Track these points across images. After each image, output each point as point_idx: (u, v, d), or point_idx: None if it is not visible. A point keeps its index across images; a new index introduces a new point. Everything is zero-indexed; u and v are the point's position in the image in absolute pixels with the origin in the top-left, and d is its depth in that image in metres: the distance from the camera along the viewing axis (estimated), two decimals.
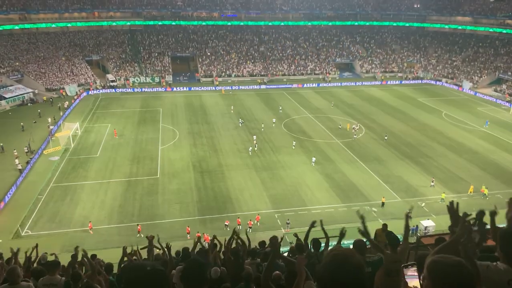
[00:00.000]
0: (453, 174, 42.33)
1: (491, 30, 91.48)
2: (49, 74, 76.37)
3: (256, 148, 47.81)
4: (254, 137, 50.54)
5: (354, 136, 52.05)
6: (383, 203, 35.24)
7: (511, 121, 60.77)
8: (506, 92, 74.40)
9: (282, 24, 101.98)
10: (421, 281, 2.34)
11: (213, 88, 79.69)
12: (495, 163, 45.24)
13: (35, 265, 12.73)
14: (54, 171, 41.84)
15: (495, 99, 72.43)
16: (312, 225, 8.71)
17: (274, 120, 58.07)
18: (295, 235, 10.95)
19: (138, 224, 31.58)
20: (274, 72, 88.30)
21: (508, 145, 50.63)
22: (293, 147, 48.16)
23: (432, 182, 39.56)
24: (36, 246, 14.01)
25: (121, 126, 55.71)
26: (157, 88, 78.00)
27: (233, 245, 11.11)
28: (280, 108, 64.47)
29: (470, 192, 37.78)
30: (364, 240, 7.11)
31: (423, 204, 35.90)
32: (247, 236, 12.83)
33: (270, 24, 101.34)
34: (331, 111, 64.73)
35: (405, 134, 54.09)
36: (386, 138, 51.57)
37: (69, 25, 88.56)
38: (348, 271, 2.15)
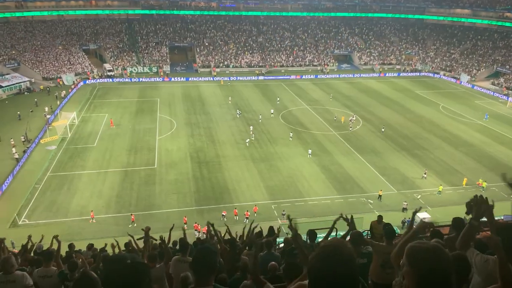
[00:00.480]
0: (449, 166, 42.57)
1: (490, 23, 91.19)
2: (46, 63, 75.79)
3: (253, 139, 47.87)
4: (251, 127, 50.59)
5: (350, 129, 52.09)
6: (380, 196, 35.36)
7: (508, 114, 60.98)
8: (504, 85, 74.49)
9: (281, 14, 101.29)
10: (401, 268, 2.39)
11: (211, 78, 79.39)
12: (491, 156, 45.49)
13: (31, 254, 12.80)
14: (51, 160, 41.79)
15: (493, 93, 72.51)
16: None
17: (272, 111, 58.01)
18: (289, 227, 11.00)
19: (131, 214, 31.67)
20: (272, 63, 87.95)
21: (504, 138, 50.87)
22: (290, 139, 48.23)
23: (424, 174, 39.79)
24: (30, 236, 14.04)
25: (119, 116, 55.54)
26: (155, 78, 77.62)
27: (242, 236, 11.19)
28: (278, 100, 64.36)
29: (463, 185, 37.97)
30: (361, 231, 7.19)
31: (419, 196, 36.14)
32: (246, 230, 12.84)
33: (268, 14, 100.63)
34: (328, 102, 64.69)
35: (402, 126, 54.22)
36: (383, 130, 51.69)
37: (65, 13, 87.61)
38: (337, 262, 2.15)
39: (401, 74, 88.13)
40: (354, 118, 55.86)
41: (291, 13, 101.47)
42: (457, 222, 6.36)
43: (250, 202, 34.26)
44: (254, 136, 48.64)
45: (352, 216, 7.58)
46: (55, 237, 10.84)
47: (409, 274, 2.30)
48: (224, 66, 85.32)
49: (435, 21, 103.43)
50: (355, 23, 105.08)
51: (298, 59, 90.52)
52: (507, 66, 79.92)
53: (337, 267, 2.15)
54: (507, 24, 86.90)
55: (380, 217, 13.60)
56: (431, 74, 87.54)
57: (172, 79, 77.61)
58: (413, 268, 2.28)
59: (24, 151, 42.31)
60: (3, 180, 36.28)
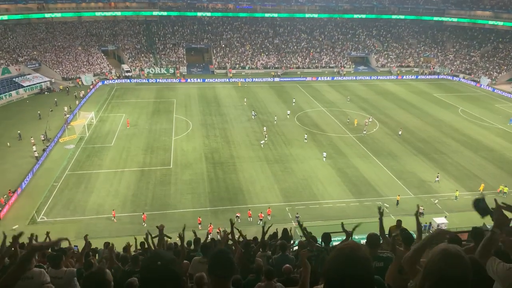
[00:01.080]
0: (468, 171, 41.71)
1: None
2: (66, 63, 77.34)
3: (266, 139, 47.88)
4: (265, 128, 50.63)
5: (364, 132, 51.44)
6: (398, 202, 34.67)
7: None
8: None
9: (298, 16, 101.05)
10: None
11: (227, 80, 79.71)
12: None
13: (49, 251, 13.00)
14: (70, 159, 42.56)
15: None
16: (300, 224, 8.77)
17: (288, 112, 58.01)
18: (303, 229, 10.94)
19: (143, 213, 31.98)
20: (288, 65, 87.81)
21: None
22: (305, 141, 48.02)
23: (437, 177, 39.09)
24: (47, 233, 14.29)
25: (136, 116, 56.25)
26: (171, 79, 78.40)
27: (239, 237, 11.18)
28: (293, 101, 64.19)
29: (480, 190, 36.99)
30: (378, 234, 7.06)
31: (436, 201, 35.50)
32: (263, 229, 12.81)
33: (285, 16, 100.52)
34: (345, 105, 64.19)
35: (420, 130, 53.40)
36: (400, 133, 50.98)
37: (85, 15, 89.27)
38: (353, 264, 2.17)
39: (419, 77, 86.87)
40: (371, 120, 55.34)
41: (308, 14, 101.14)
42: (476, 232, 6.15)
43: (264, 204, 34.21)
44: (267, 137, 48.71)
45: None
46: (85, 237, 11.28)
47: (427, 277, 2.26)
48: (240, 68, 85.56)
49: (454, 23, 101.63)
50: (373, 25, 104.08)
51: (314, 61, 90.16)
52: None
53: (353, 270, 2.17)
54: None
55: (399, 221, 13.33)
56: (450, 77, 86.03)
57: (189, 80, 78.23)
58: (431, 272, 2.25)
59: (44, 150, 43.21)
60: (23, 177, 37.10)
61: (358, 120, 54.88)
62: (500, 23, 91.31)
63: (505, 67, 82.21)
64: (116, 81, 75.45)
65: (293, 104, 63.12)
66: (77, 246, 15.42)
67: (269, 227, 12.08)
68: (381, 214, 7.16)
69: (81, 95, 64.16)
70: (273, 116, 56.35)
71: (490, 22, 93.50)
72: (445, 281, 2.19)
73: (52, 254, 8.59)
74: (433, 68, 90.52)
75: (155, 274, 2.39)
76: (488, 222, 5.59)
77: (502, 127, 55.08)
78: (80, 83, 72.65)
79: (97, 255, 14.55)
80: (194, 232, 12.67)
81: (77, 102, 60.93)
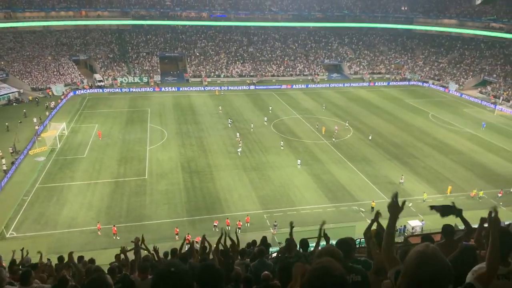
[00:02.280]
0: (440, 174, 42.90)
1: (476, 32, 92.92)
2: (35, 74, 75.21)
3: (241, 145, 47.85)
4: (238, 134, 50.66)
5: (333, 139, 51.71)
6: (372, 208, 35.08)
7: (496, 122, 61.85)
8: (491, 94, 75.72)
9: (271, 25, 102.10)
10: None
11: (202, 88, 79.42)
12: (480, 163, 45.98)
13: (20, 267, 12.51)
14: (40, 171, 41.21)
15: (480, 101, 73.67)
16: (292, 225, 8.74)
17: (265, 118, 58.38)
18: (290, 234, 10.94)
19: (113, 226, 31.21)
20: (263, 73, 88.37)
21: (492, 146, 51.51)
22: (281, 148, 48.28)
23: (401, 179, 40.09)
24: (22, 249, 13.78)
25: (109, 126, 55.17)
26: (145, 88, 77.42)
27: (221, 246, 11.07)
28: (270, 108, 64.56)
29: (448, 193, 38.03)
30: (350, 240, 7.11)
31: (410, 204, 36.24)
32: (236, 236, 12.83)
33: (259, 25, 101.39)
34: (320, 112, 65.03)
35: (392, 135, 54.65)
36: (370, 138, 51.95)
37: (55, 23, 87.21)
38: (330, 283, 2.24)
39: (390, 83, 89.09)
40: (347, 126, 56.52)
41: (281, 23, 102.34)
42: (447, 229, 6.38)
43: (242, 212, 34.09)
44: (242, 143, 48.75)
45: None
46: (39, 252, 10.70)
47: (406, 277, 2.29)
48: (215, 76, 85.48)
49: (423, 31, 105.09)
50: (345, 33, 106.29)
51: (289, 69, 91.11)
52: (494, 75, 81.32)
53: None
54: (493, 34, 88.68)
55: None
56: (420, 83, 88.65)
57: (163, 89, 77.50)
58: (407, 273, 2.29)
59: (13, 163, 41.67)
60: None
61: (326, 127, 55.23)
62: (465, 31, 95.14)
63: (471, 73, 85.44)
64: (88, 91, 73.90)
65: (270, 111, 63.46)
66: (50, 259, 14.91)
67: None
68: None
69: (52, 105, 62.48)
70: (250, 124, 56.45)
71: (456, 30, 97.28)
72: (421, 281, 2.21)
73: (21, 270, 8.25)
74: (404, 75, 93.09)
75: (165, 279, 2.45)
76: (459, 222, 5.78)
77: (471, 131, 57.04)
78: (50, 93, 70.69)
79: (70, 270, 14.07)
80: (185, 243, 12.45)
81: (47, 113, 59.26)
